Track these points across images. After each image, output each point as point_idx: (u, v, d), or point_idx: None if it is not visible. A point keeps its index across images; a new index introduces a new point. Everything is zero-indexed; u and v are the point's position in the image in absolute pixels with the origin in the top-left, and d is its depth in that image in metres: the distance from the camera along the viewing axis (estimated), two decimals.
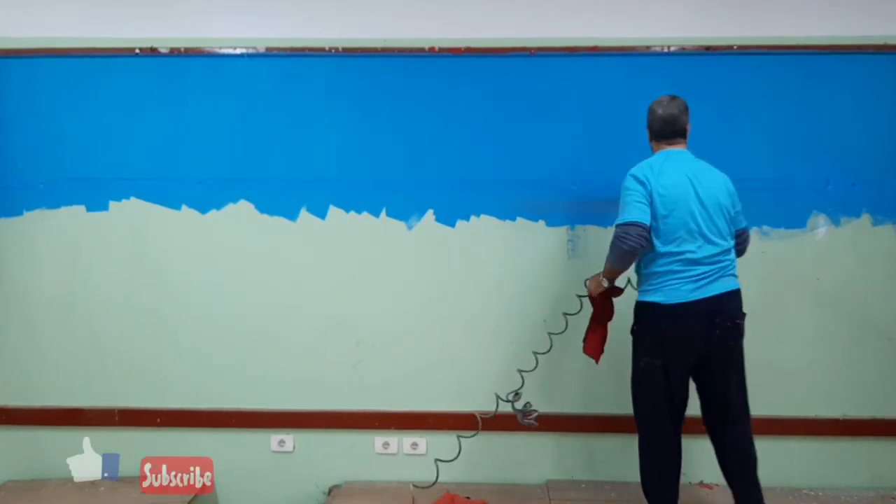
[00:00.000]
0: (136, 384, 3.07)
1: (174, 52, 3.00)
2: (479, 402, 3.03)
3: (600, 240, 2.98)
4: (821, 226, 2.97)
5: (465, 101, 2.99)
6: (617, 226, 2.44)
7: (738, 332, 2.51)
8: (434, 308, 3.03)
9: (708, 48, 2.95)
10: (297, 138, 3.01)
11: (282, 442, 3.08)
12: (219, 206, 3.03)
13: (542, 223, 3.01)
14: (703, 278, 2.45)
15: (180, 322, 3.05)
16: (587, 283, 2.72)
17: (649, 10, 2.97)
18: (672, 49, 2.96)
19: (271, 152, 3.02)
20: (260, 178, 3.02)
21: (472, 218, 3.01)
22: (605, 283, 2.61)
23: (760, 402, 2.97)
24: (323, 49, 2.99)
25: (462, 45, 2.97)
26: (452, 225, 3.02)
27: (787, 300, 2.98)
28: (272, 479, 3.09)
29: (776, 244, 2.97)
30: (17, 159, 3.03)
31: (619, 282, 2.66)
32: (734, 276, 2.53)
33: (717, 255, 2.47)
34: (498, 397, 2.84)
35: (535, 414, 2.79)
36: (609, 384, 3.00)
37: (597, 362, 2.73)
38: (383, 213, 3.02)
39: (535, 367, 2.84)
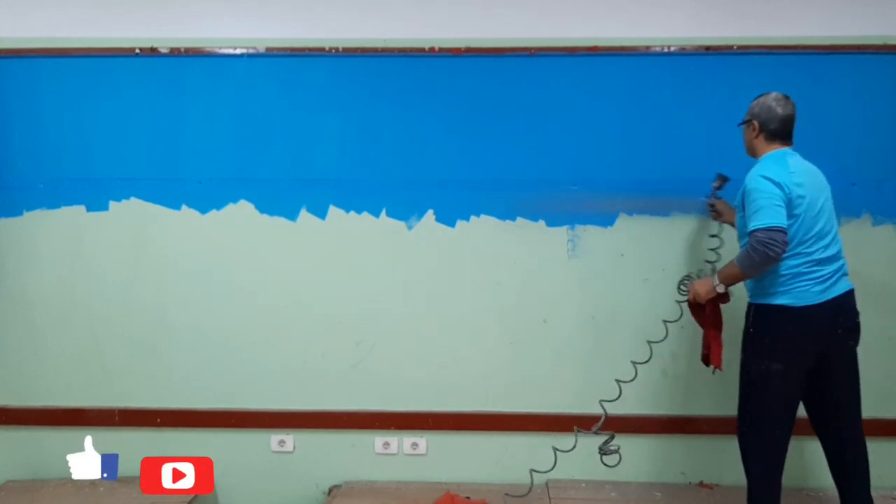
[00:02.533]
0: (136, 384, 3.07)
1: (174, 53, 3.00)
2: (480, 402, 3.03)
3: (600, 240, 2.99)
4: None
5: (466, 101, 2.99)
6: (759, 230, 2.33)
7: (858, 331, 2.50)
8: (434, 308, 3.03)
9: (708, 48, 2.96)
10: (297, 138, 3.01)
11: (282, 442, 3.08)
12: (219, 206, 3.03)
13: (542, 223, 3.01)
14: (828, 279, 2.43)
15: (180, 322, 3.05)
16: (682, 286, 2.68)
17: (649, 10, 2.98)
18: (672, 49, 2.96)
19: (271, 152, 3.02)
20: (260, 178, 3.02)
21: (472, 218, 3.01)
22: (721, 289, 2.53)
23: None
24: (323, 49, 2.99)
25: (462, 45, 2.97)
26: (452, 225, 3.02)
27: None
28: (272, 479, 3.09)
29: None
30: (17, 159, 3.03)
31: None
32: (847, 274, 2.51)
33: (837, 254, 2.47)
34: (578, 430, 2.83)
35: (616, 449, 2.76)
36: (609, 384, 3.00)
37: (721, 370, 2.66)
38: (383, 213, 3.02)
39: (635, 377, 2.82)
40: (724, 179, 2.84)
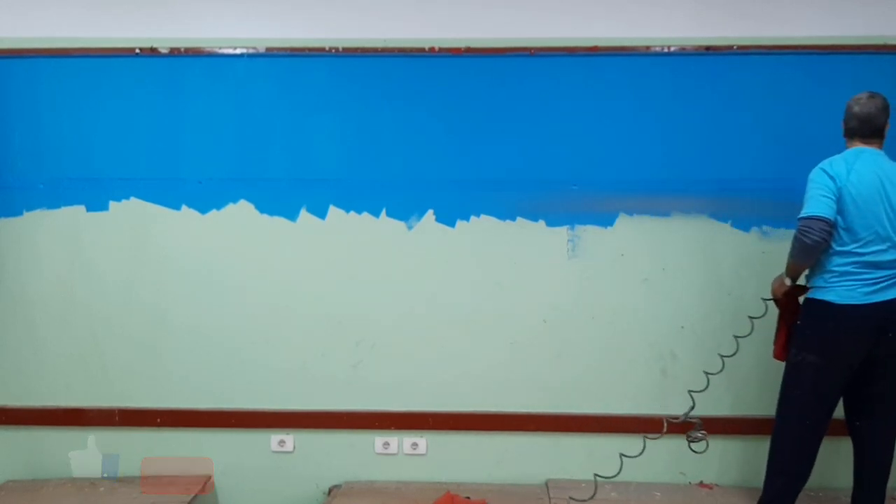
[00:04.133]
0: (136, 384, 3.07)
1: (174, 53, 3.00)
2: (480, 402, 3.03)
3: (600, 240, 2.99)
4: None
5: (466, 101, 2.99)
6: (801, 218, 2.39)
7: None
8: (434, 308, 3.03)
9: (708, 48, 2.95)
10: (297, 138, 3.01)
11: (282, 442, 3.08)
12: (219, 206, 3.03)
13: (542, 223, 3.01)
14: (880, 282, 2.43)
15: (180, 322, 3.05)
16: (773, 284, 2.68)
17: (649, 10, 2.97)
18: (672, 49, 2.96)
19: (271, 152, 3.02)
20: (260, 179, 3.02)
21: (472, 218, 3.01)
22: (788, 282, 2.54)
23: (761, 402, 2.98)
24: (323, 49, 2.99)
25: (462, 45, 2.97)
26: (452, 225, 3.02)
27: None
28: (272, 479, 3.09)
29: (777, 244, 2.96)
30: (17, 159, 3.02)
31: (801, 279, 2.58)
32: None
33: (894, 262, 2.44)
34: (668, 419, 2.84)
35: (702, 436, 2.77)
36: (609, 385, 3.01)
37: (782, 360, 2.66)
38: (383, 214, 3.02)
39: (722, 368, 2.82)
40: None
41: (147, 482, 2.97)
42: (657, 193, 2.97)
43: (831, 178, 2.40)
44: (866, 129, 2.51)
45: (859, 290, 2.42)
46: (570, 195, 3.00)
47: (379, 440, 3.07)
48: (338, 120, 3.01)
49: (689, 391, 2.84)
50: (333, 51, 2.99)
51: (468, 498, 2.85)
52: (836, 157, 2.50)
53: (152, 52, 3.00)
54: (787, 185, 2.95)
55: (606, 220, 2.99)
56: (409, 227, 3.02)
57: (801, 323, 2.54)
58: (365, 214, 3.03)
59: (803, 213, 2.40)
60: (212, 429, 3.07)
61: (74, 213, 3.03)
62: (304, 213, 3.03)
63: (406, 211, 3.02)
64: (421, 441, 3.06)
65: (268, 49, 3.00)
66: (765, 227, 2.97)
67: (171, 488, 2.92)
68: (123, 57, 3.00)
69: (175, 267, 3.04)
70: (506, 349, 3.03)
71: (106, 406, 3.07)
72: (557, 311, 3.02)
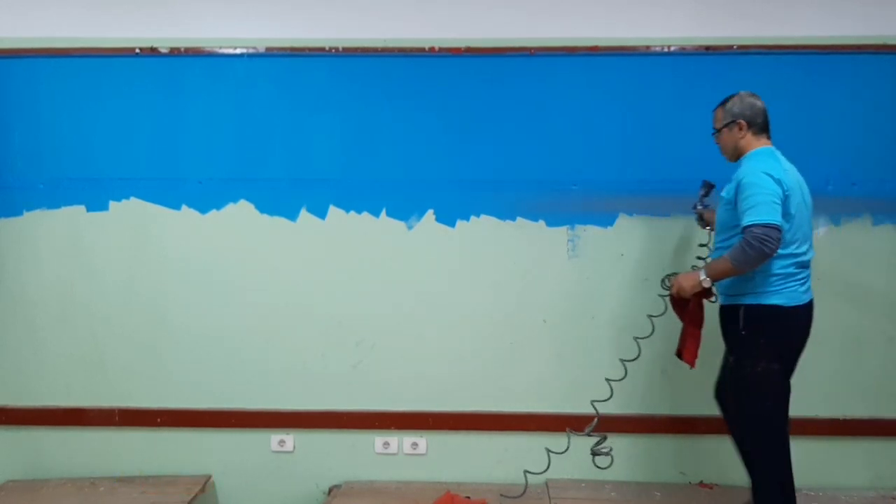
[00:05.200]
0: (136, 384, 3.07)
1: (174, 52, 3.00)
2: (480, 402, 3.03)
3: (600, 240, 2.99)
4: (821, 226, 2.97)
5: (465, 101, 2.99)
6: (756, 226, 2.27)
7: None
8: (434, 308, 3.03)
9: (708, 48, 2.96)
10: (297, 138, 3.02)
11: (282, 442, 3.08)
12: (219, 206, 3.03)
13: (542, 223, 3.01)
14: (807, 281, 2.45)
15: (180, 322, 3.05)
16: (668, 281, 2.64)
17: (649, 10, 2.98)
18: (672, 49, 2.96)
19: (271, 152, 3.02)
20: (260, 178, 3.02)
21: (472, 218, 3.01)
22: (708, 283, 2.45)
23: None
24: (323, 49, 2.99)
25: (462, 44, 2.97)
26: (452, 225, 3.02)
27: None
28: (272, 479, 3.09)
29: None
30: (17, 159, 3.03)
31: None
32: None
33: (811, 260, 2.48)
34: (571, 432, 2.83)
35: (608, 451, 2.76)
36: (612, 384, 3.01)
37: (693, 367, 2.62)
38: (383, 213, 3.02)
39: (625, 375, 2.80)
40: (710, 187, 2.79)
41: (147, 482, 2.97)
42: (657, 193, 2.97)
43: (777, 182, 2.33)
44: (768, 125, 2.50)
45: (799, 290, 2.42)
46: (570, 195, 3.00)
47: (379, 440, 3.07)
48: (338, 120, 3.01)
49: (592, 401, 2.80)
50: (333, 51, 2.99)
51: (468, 498, 2.85)
52: (766, 158, 2.42)
53: (152, 52, 3.00)
54: None
55: (606, 220, 2.99)
56: (410, 227, 3.02)
57: (749, 333, 2.43)
58: (365, 214, 3.03)
59: (759, 221, 2.27)
60: (212, 429, 3.07)
61: (74, 213, 3.03)
62: (304, 213, 3.03)
63: (406, 211, 3.02)
64: (421, 441, 3.06)
65: (268, 49, 3.00)
66: None
67: (171, 488, 2.92)
68: (123, 57, 3.00)
69: (175, 267, 3.04)
70: (506, 349, 3.03)
71: (106, 406, 3.07)
72: (557, 311, 3.02)
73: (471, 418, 3.03)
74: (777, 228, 2.27)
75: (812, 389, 2.99)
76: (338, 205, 3.03)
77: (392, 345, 3.05)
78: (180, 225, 3.03)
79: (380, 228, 3.02)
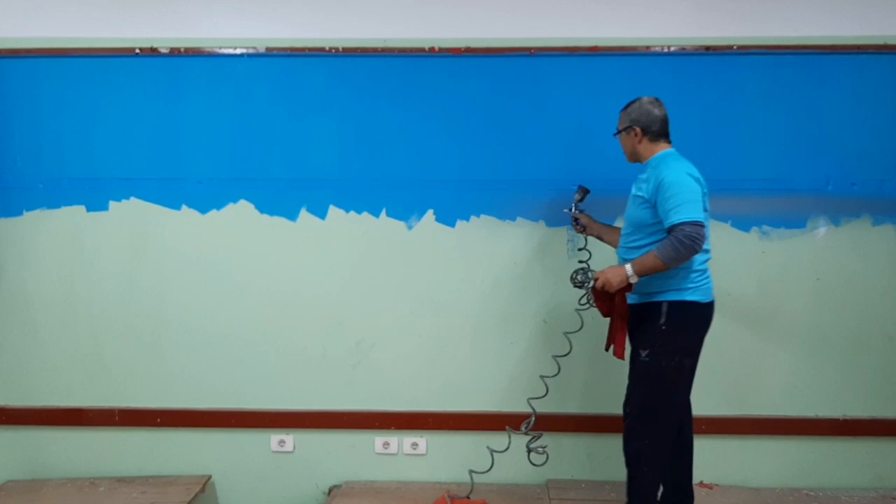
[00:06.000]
0: (137, 384, 3.07)
1: (174, 53, 3.01)
2: (479, 402, 3.04)
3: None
4: (821, 226, 2.97)
5: (465, 102, 3.00)
6: (686, 224, 2.32)
7: None
8: (434, 308, 3.03)
9: (708, 48, 2.96)
10: (297, 138, 3.02)
11: (282, 442, 3.08)
12: (219, 206, 3.03)
13: (542, 223, 3.01)
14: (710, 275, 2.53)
15: (180, 322, 3.05)
16: (579, 275, 2.66)
17: (649, 10, 2.98)
18: (672, 49, 2.96)
19: (271, 152, 3.02)
20: (260, 178, 3.02)
21: (472, 218, 3.02)
22: (635, 280, 2.46)
23: (761, 403, 3.00)
24: (323, 49, 2.99)
25: (462, 45, 2.98)
26: (452, 225, 3.02)
27: (788, 300, 2.99)
28: (272, 479, 3.09)
29: (776, 244, 2.97)
30: (17, 159, 3.03)
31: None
32: None
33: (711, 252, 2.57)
34: (511, 431, 2.83)
35: (543, 449, 2.77)
36: (609, 385, 3.01)
37: (624, 360, 2.64)
38: (383, 213, 3.03)
39: (558, 371, 2.80)
40: (585, 192, 2.83)
41: (147, 482, 2.97)
42: None
43: (696, 181, 2.40)
44: (667, 130, 2.57)
45: (710, 286, 2.50)
46: (570, 195, 2.99)
47: (379, 440, 3.07)
48: (338, 120, 3.01)
49: (529, 399, 2.80)
50: (333, 51, 2.99)
51: (467, 498, 2.85)
52: (678, 160, 2.49)
53: (152, 53, 3.01)
54: (787, 186, 2.96)
55: (606, 221, 2.99)
56: (410, 227, 3.03)
57: (669, 328, 2.45)
58: (365, 214, 3.03)
59: (689, 219, 2.32)
60: (212, 429, 3.07)
61: (75, 213, 3.04)
62: (304, 213, 3.03)
63: (406, 211, 3.02)
64: (421, 441, 3.07)
65: (268, 49, 3.00)
66: (764, 227, 2.97)
67: (171, 488, 2.92)
68: (123, 57, 3.00)
69: (175, 267, 3.04)
70: (506, 349, 3.03)
71: (106, 406, 3.07)
72: (557, 311, 3.02)
73: (471, 418, 3.03)
74: (703, 226, 2.36)
75: (812, 390, 3.00)
76: (338, 205, 3.03)
77: (392, 345, 3.05)
78: (180, 225, 3.03)
79: (380, 228, 3.02)
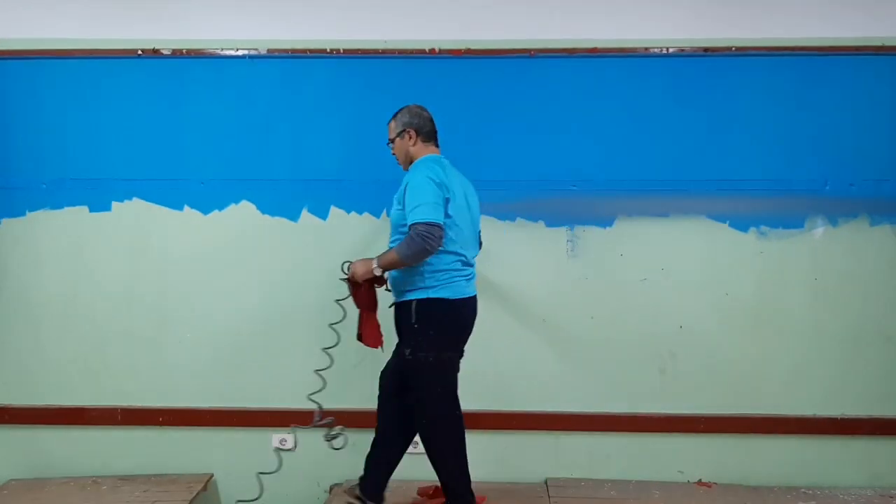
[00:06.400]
0: (138, 383, 3.09)
1: (176, 54, 3.02)
2: (480, 402, 3.05)
3: (599, 240, 3.01)
4: (819, 226, 2.99)
5: (465, 103, 3.01)
6: (419, 223, 2.43)
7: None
8: None
9: (706, 49, 2.97)
10: (298, 139, 3.03)
11: (283, 440, 3.09)
12: (221, 206, 3.05)
13: (541, 223, 3.03)
14: (471, 278, 2.63)
15: (182, 321, 3.07)
16: (346, 266, 2.70)
17: (648, 11, 2.99)
18: (671, 50, 2.98)
19: (273, 153, 3.04)
20: (261, 179, 3.03)
21: None
22: (378, 272, 2.59)
23: (759, 402, 3.01)
24: (324, 50, 3.01)
25: (462, 46, 2.99)
26: None
27: (786, 300, 3.00)
28: (273, 478, 3.09)
29: (774, 244, 2.99)
30: (20, 160, 3.04)
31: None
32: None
33: (475, 257, 2.68)
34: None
35: (338, 435, 2.82)
36: (609, 384, 3.03)
37: (382, 350, 2.71)
38: (384, 213, 3.04)
39: (332, 364, 2.82)
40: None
41: (149, 480, 2.99)
42: (656, 194, 2.99)
43: (438, 185, 2.49)
44: (435, 132, 2.67)
45: (462, 284, 2.58)
46: (570, 196, 3.02)
47: None
48: (339, 121, 3.03)
49: (309, 395, 2.82)
50: (334, 52, 3.01)
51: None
52: (431, 164, 2.55)
53: (155, 54, 3.02)
54: (785, 186, 2.98)
55: (605, 221, 3.01)
56: None
57: (420, 325, 2.55)
58: (366, 215, 3.05)
59: (422, 219, 2.42)
60: (213, 427, 3.08)
61: (77, 214, 3.05)
62: (305, 214, 3.05)
63: None
64: None
65: (269, 50, 3.02)
66: (762, 228, 2.99)
67: (173, 487, 2.94)
68: (126, 58, 3.02)
69: (177, 267, 3.06)
70: (506, 348, 3.04)
71: (108, 405, 3.08)
72: (557, 310, 3.03)
73: (471, 417, 3.02)
74: (439, 226, 2.44)
75: (810, 389, 3.01)
76: (339, 205, 3.05)
77: (392, 344, 3.05)
78: (182, 225, 3.04)
79: (381, 228, 3.03)
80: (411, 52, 3.00)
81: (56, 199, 3.05)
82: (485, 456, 3.05)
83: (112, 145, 3.04)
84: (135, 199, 3.05)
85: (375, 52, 3.00)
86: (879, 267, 2.99)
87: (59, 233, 3.06)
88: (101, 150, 3.04)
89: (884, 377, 3.00)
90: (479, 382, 3.04)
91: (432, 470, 3.00)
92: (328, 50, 3.01)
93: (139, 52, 3.02)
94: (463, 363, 3.02)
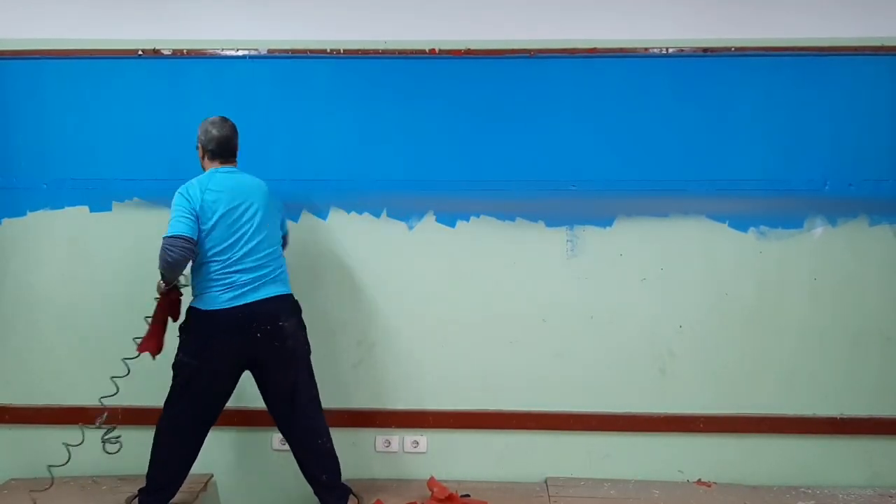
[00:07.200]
0: (139, 383, 3.08)
1: (176, 54, 3.03)
2: (479, 401, 3.05)
3: (599, 240, 3.01)
4: (818, 226, 2.99)
5: (465, 102, 3.02)
6: (164, 237, 2.54)
7: (284, 333, 2.63)
8: (434, 308, 3.05)
9: (706, 50, 2.98)
10: (298, 139, 3.04)
11: (283, 440, 3.08)
12: None
13: (541, 223, 3.03)
14: (244, 286, 2.59)
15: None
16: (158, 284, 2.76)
17: (647, 12, 3.00)
18: (670, 51, 2.98)
19: (273, 153, 3.04)
20: (262, 179, 3.03)
21: (472, 218, 3.04)
22: (163, 286, 2.69)
23: (759, 401, 3.01)
24: (324, 51, 3.02)
25: (462, 46, 3.00)
26: (453, 225, 3.04)
27: (785, 300, 3.00)
28: (273, 478, 3.10)
29: (774, 244, 2.99)
30: (21, 160, 3.05)
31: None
32: (282, 281, 2.69)
33: (263, 264, 2.63)
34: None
35: (117, 437, 2.84)
36: (608, 383, 3.03)
37: (154, 358, 2.73)
38: (384, 214, 3.05)
39: (128, 373, 2.81)
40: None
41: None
42: (655, 194, 3.00)
43: (187, 199, 2.56)
44: (223, 149, 2.70)
45: (223, 295, 2.58)
46: (569, 196, 3.02)
47: (380, 438, 3.09)
48: (339, 121, 3.03)
49: (100, 398, 2.81)
50: (334, 52, 3.01)
51: (467, 496, 2.87)
52: (191, 182, 2.62)
53: (155, 54, 3.03)
54: (785, 186, 2.98)
55: (605, 221, 3.02)
56: (410, 228, 3.05)
57: (181, 329, 2.65)
58: (366, 215, 3.05)
59: (167, 233, 2.53)
60: (214, 427, 3.07)
61: (78, 214, 3.06)
62: (305, 214, 3.05)
63: (407, 211, 3.04)
64: (421, 439, 3.08)
65: (269, 51, 3.02)
66: (762, 228, 2.99)
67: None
68: (126, 58, 3.03)
69: None
70: (505, 348, 3.05)
71: (109, 405, 3.08)
72: (557, 310, 3.04)
73: (471, 417, 3.05)
74: (180, 238, 2.52)
75: (810, 388, 3.01)
76: (339, 205, 3.05)
77: (392, 344, 3.07)
78: None
79: (381, 228, 3.04)
80: (411, 52, 3.00)
81: (56, 199, 3.06)
82: (485, 456, 3.06)
83: (112, 145, 3.04)
84: (135, 198, 3.06)
85: (375, 52, 3.01)
86: (878, 267, 2.99)
87: (60, 233, 3.06)
88: (102, 150, 3.04)
89: (883, 377, 3.01)
90: (479, 382, 3.06)
91: (432, 469, 3.02)
92: (328, 50, 3.01)
93: (139, 52, 3.02)
94: (463, 363, 3.05)
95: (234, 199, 2.62)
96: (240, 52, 3.03)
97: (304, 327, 2.73)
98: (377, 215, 3.05)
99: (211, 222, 2.57)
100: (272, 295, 2.63)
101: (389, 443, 3.09)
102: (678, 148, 2.99)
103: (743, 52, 2.96)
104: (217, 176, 2.65)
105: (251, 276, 2.61)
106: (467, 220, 3.04)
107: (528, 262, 3.04)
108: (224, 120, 2.71)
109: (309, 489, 3.08)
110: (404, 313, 3.06)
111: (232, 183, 2.65)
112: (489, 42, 2.99)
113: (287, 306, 2.68)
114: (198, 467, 3.06)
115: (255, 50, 3.02)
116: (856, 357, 3.01)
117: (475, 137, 3.02)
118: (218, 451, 3.09)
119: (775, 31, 2.98)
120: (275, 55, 3.02)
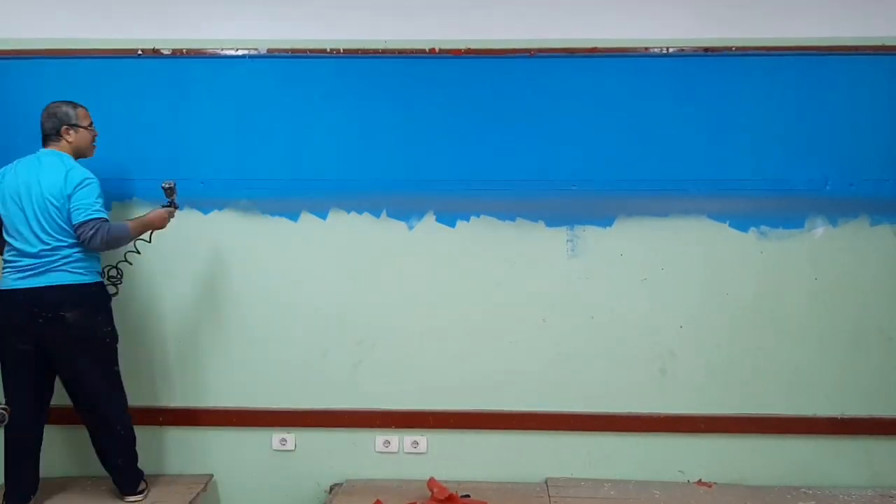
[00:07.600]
0: (138, 383, 3.08)
1: (176, 54, 3.02)
2: (480, 401, 3.05)
3: (599, 240, 3.01)
4: (819, 226, 2.99)
5: (466, 102, 3.01)
6: (104, 222, 2.61)
7: (64, 324, 2.63)
8: (434, 308, 3.05)
9: (706, 49, 2.97)
10: (298, 139, 3.03)
11: (283, 440, 3.09)
12: (221, 206, 3.05)
13: (541, 223, 3.03)
14: (28, 270, 2.64)
15: (182, 321, 3.07)
16: None
17: (648, 11, 2.99)
18: (671, 50, 2.98)
19: (273, 153, 3.04)
20: (262, 179, 3.03)
21: (472, 218, 3.03)
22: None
23: (759, 401, 3.01)
24: (324, 50, 3.01)
25: (462, 46, 2.99)
26: (453, 225, 3.04)
27: (786, 300, 3.00)
28: (273, 478, 3.10)
29: (774, 244, 2.99)
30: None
31: None
32: (65, 271, 2.66)
33: (44, 252, 2.64)
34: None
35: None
36: (609, 383, 3.03)
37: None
38: (384, 214, 3.04)
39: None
40: (172, 187, 2.88)
41: (149, 481, 2.98)
42: (656, 194, 2.99)
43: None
44: (42, 133, 2.76)
45: (11, 276, 2.65)
46: (570, 196, 3.02)
47: (380, 439, 3.09)
48: (339, 120, 3.03)
49: None
50: (334, 52, 3.01)
51: (467, 496, 2.86)
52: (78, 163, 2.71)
53: (155, 54, 3.03)
54: (785, 186, 2.98)
55: (605, 221, 3.01)
56: (410, 228, 3.04)
57: None
58: (366, 215, 3.05)
59: (101, 216, 2.62)
60: (213, 427, 3.09)
61: None
62: (305, 214, 3.05)
63: (407, 211, 3.04)
64: (421, 439, 3.08)
65: (269, 50, 3.02)
66: (763, 228, 2.99)
67: (173, 487, 2.94)
68: (126, 58, 3.02)
69: (177, 267, 3.06)
70: (505, 348, 3.05)
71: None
72: (557, 310, 3.03)
73: (471, 417, 3.05)
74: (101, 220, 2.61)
75: (811, 388, 3.01)
76: (339, 205, 3.05)
77: (393, 344, 3.06)
78: (183, 225, 3.03)
79: (381, 228, 3.04)
80: (411, 52, 3.00)
81: None
82: (485, 456, 3.06)
83: (112, 145, 3.02)
84: (135, 198, 3.06)
85: (375, 52, 3.01)
86: (879, 266, 2.99)
87: None
88: (101, 150, 3.01)
89: (884, 377, 3.00)
90: (479, 382, 3.06)
91: (432, 470, 3.02)
92: (328, 50, 3.01)
93: (139, 52, 3.02)
94: (463, 363, 3.05)
95: (16, 189, 2.69)
96: (240, 52, 3.02)
97: (97, 317, 2.71)
98: (377, 215, 3.05)
99: (4, 205, 2.69)
100: (56, 284, 2.65)
101: (389, 443, 3.09)
102: (679, 148, 2.99)
103: (743, 52, 2.96)
104: (23, 160, 2.75)
105: (36, 261, 2.64)
106: (467, 219, 3.03)
107: (528, 262, 3.03)
108: (51, 104, 2.76)
109: (309, 489, 3.10)
110: (404, 313, 3.06)
111: (29, 169, 2.72)
112: (489, 42, 2.99)
113: (67, 299, 2.66)
114: (198, 467, 3.09)
115: (255, 49, 3.02)
116: (856, 357, 3.00)
117: (475, 137, 3.01)
118: (218, 451, 3.09)
119: (776, 32, 2.97)
120: (275, 55, 3.02)
